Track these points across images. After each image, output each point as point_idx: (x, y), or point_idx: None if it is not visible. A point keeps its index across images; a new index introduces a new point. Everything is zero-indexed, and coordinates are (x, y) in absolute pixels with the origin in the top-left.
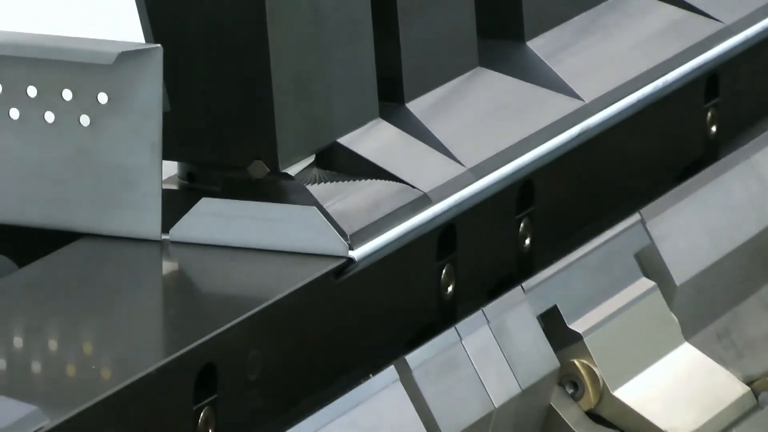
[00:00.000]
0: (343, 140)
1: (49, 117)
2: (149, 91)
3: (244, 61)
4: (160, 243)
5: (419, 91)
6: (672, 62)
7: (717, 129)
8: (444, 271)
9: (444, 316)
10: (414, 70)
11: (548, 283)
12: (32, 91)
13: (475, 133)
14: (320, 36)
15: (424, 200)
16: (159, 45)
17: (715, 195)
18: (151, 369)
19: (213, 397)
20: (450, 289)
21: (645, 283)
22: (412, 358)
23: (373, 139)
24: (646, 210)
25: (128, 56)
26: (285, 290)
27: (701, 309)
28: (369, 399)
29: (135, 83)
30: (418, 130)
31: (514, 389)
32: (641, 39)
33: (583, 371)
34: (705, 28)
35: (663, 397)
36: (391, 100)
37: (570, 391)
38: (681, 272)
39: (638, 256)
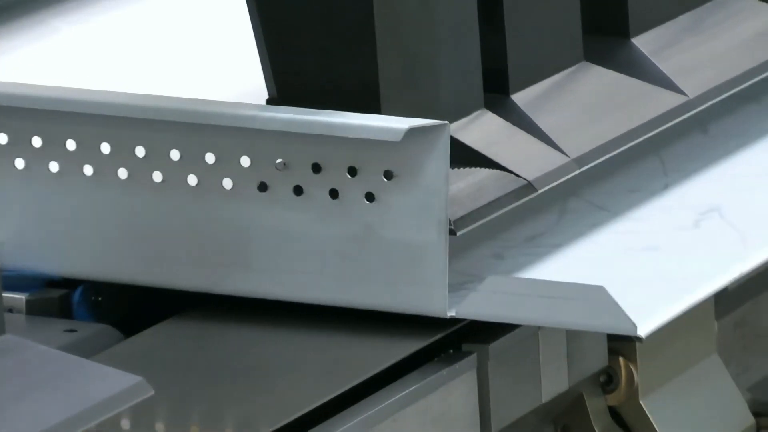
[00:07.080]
0: None
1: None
2: (436, 168)
3: (353, 50)
4: None
5: (524, 83)
6: None
7: None
8: None
9: None
10: (519, 62)
11: None
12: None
13: (580, 125)
14: (426, 27)
15: (527, 188)
16: (447, 122)
17: None
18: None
19: None
20: None
21: None
22: (494, 348)
23: (478, 129)
24: None
25: (416, 133)
26: None
27: None
28: (442, 387)
29: (422, 160)
30: (522, 121)
31: (563, 387)
32: (743, 38)
33: (623, 371)
34: None
35: (676, 415)
36: (496, 92)
37: (602, 379)
38: None
39: None
